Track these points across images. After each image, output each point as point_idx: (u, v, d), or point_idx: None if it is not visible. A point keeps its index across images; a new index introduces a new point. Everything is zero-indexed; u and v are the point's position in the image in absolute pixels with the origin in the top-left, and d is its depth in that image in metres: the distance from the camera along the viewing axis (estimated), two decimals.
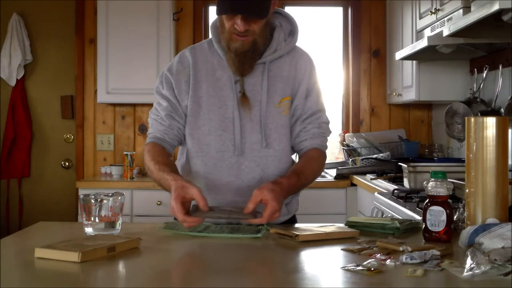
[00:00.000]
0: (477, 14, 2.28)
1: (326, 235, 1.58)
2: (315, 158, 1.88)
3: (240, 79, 1.82)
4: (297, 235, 1.54)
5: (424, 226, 1.55)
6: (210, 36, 1.90)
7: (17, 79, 4.41)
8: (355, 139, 4.22)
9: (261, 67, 1.83)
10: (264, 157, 1.83)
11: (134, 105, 4.45)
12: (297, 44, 1.92)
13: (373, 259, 1.30)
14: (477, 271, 1.16)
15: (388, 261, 1.29)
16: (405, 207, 2.43)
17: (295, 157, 1.98)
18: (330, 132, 1.94)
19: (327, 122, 1.92)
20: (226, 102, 1.82)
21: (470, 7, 2.66)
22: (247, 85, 1.82)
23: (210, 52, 1.88)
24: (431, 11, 3.21)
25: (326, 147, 1.93)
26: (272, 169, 1.84)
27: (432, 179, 1.54)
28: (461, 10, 2.81)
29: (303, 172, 1.81)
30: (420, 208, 2.14)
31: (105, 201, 1.61)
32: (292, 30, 1.89)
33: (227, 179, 1.83)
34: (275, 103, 1.83)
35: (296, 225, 1.90)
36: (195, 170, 1.88)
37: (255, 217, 1.60)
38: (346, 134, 4.37)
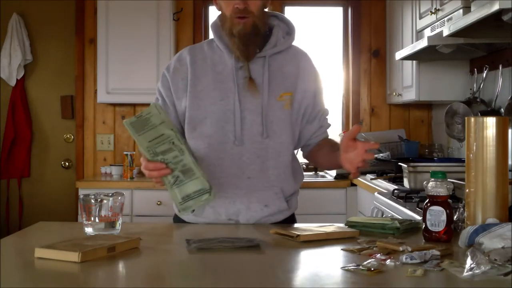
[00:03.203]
0: (477, 14, 2.28)
1: (327, 235, 1.58)
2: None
3: (244, 64, 1.86)
4: (298, 235, 1.54)
5: (424, 226, 1.55)
6: (211, 36, 1.95)
7: (17, 79, 4.41)
8: None
9: (261, 60, 1.88)
10: (264, 149, 1.86)
11: (134, 105, 4.45)
12: (297, 44, 1.99)
13: (373, 259, 1.30)
14: (477, 271, 1.16)
15: (388, 261, 1.29)
16: (405, 207, 2.43)
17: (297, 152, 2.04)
18: (330, 125, 2.05)
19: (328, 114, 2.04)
20: (227, 94, 1.86)
21: (470, 7, 2.66)
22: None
23: (210, 50, 1.93)
24: (431, 11, 3.21)
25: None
26: (272, 161, 1.87)
27: (432, 179, 1.54)
28: (461, 10, 2.81)
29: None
30: (420, 208, 2.14)
31: (105, 201, 1.61)
32: (288, 31, 1.96)
33: (228, 171, 1.85)
34: (276, 96, 1.87)
35: (296, 225, 1.91)
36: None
37: (256, 246, 1.51)
38: None
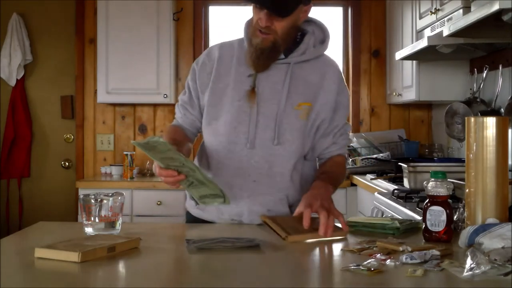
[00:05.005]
0: (477, 14, 2.28)
1: (313, 236, 1.57)
2: (341, 164, 1.97)
3: (253, 74, 1.85)
4: (287, 236, 1.54)
5: (424, 226, 1.55)
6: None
7: (17, 79, 4.42)
8: (355, 139, 4.22)
9: (285, 67, 1.86)
10: (273, 155, 1.85)
11: (134, 105, 4.45)
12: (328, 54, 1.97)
13: (373, 259, 1.30)
14: (477, 271, 1.16)
15: (388, 261, 1.29)
16: (405, 207, 2.43)
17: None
18: (350, 140, 2.06)
19: (350, 130, 2.01)
20: (245, 96, 1.86)
21: (470, 7, 2.66)
22: (268, 82, 1.86)
23: (240, 49, 1.92)
24: (431, 11, 3.21)
25: (346, 151, 2.04)
26: (280, 168, 1.86)
27: (432, 179, 1.54)
28: (461, 10, 2.81)
29: (333, 172, 1.90)
30: (420, 208, 2.14)
31: (105, 201, 1.61)
32: (323, 39, 1.93)
33: (235, 172, 1.85)
34: (294, 105, 1.85)
35: (287, 217, 1.83)
36: (207, 160, 1.92)
37: (256, 246, 1.50)
38: None
